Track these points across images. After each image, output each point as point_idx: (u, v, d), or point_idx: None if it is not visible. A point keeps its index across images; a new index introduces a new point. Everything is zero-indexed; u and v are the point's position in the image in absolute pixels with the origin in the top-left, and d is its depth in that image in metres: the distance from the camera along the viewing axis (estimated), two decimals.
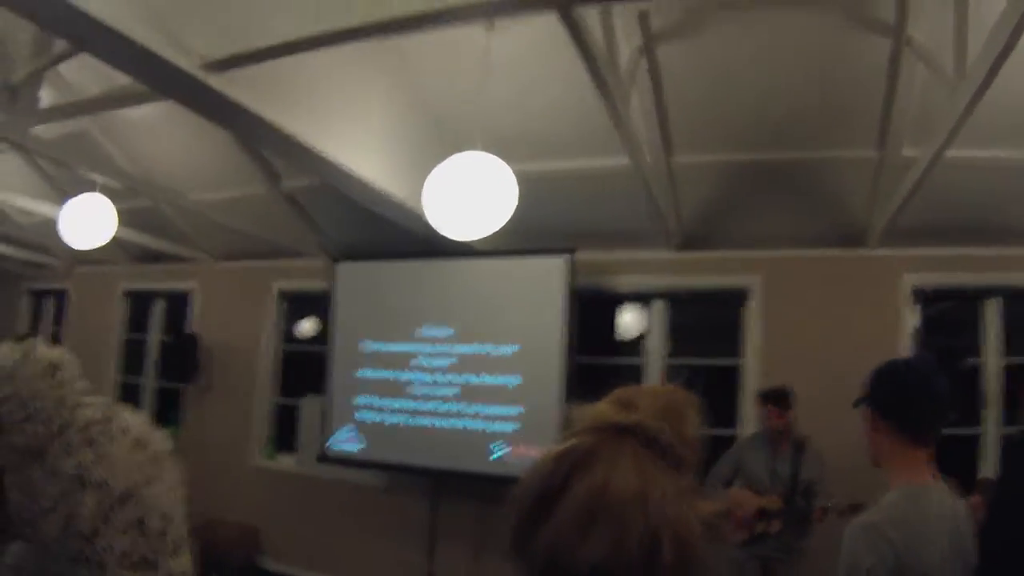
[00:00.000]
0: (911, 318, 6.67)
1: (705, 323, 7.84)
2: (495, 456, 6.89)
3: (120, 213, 6.44)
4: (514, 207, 4.56)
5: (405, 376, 7.47)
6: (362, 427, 7.67)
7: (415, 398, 7.38)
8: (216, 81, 4.14)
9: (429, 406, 7.30)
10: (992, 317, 6.60)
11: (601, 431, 1.15)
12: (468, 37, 4.88)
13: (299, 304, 9.24)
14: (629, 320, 7.76)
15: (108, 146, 7.57)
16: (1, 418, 1.49)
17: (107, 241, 6.52)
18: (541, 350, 6.81)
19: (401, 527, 7.87)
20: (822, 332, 6.60)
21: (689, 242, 7.18)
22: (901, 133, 5.35)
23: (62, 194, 7.31)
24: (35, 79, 5.25)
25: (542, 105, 5.79)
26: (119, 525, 1.48)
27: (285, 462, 8.89)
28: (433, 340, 7.39)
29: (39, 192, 8.13)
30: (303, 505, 8.53)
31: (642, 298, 7.61)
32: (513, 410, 6.84)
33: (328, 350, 8.00)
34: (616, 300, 7.77)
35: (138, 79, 4.35)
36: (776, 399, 5.79)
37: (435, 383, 7.30)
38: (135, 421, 1.42)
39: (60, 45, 4.98)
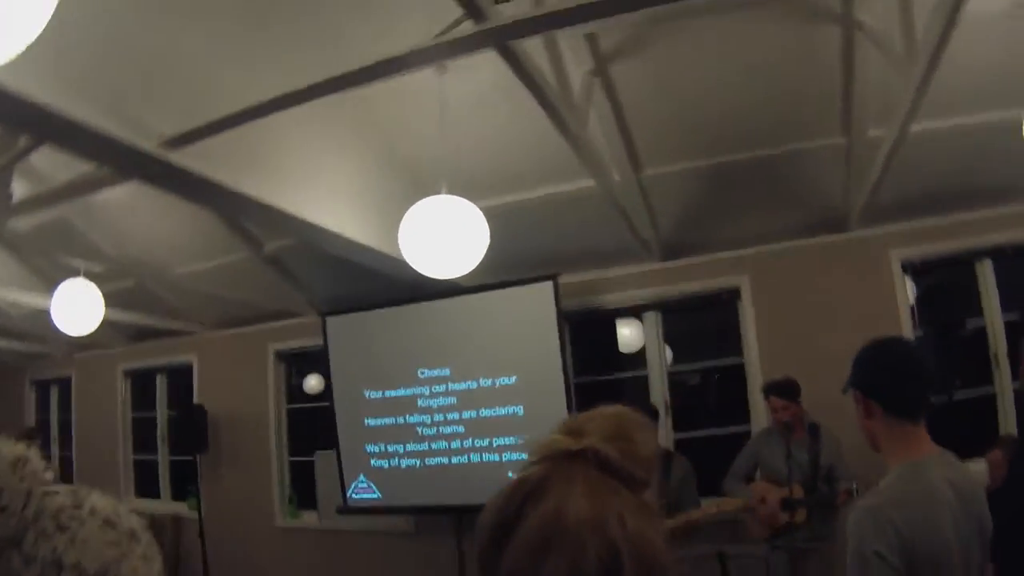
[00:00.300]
0: (906, 292, 6.67)
1: (706, 327, 7.85)
2: None
3: (109, 295, 6.48)
4: (487, 243, 4.65)
5: (411, 419, 7.48)
6: (377, 474, 7.68)
7: (424, 439, 7.40)
8: (177, 157, 4.14)
9: (440, 445, 7.31)
10: (987, 278, 6.60)
11: (552, 459, 1.16)
12: (424, 82, 4.92)
13: (300, 362, 9.26)
14: (628, 335, 7.75)
15: (88, 230, 7.55)
16: None
17: (98, 324, 6.53)
18: (540, 377, 6.82)
19: (429, 567, 7.82)
20: (819, 319, 6.58)
21: (672, 251, 7.19)
22: (865, 116, 5.35)
23: (49, 283, 7.31)
24: (5, 173, 5.25)
25: (506, 139, 5.79)
26: None
27: (309, 519, 8.85)
28: (432, 381, 7.40)
29: (25, 283, 8.12)
30: (332, 559, 8.50)
31: (634, 312, 7.62)
32: (522, 438, 6.81)
33: (332, 404, 8.01)
34: (611, 317, 7.78)
35: (100, 163, 4.38)
36: (780, 391, 5.79)
37: (443, 422, 7.31)
38: (103, 502, 1.43)
39: (26, 137, 4.99)
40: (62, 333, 6.62)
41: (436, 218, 4.53)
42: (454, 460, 7.22)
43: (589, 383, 7.64)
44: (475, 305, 7.29)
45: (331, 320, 8.03)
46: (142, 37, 3.85)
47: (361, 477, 7.77)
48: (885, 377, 2.42)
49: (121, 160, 4.14)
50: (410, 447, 7.47)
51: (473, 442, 7.14)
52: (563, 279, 6.98)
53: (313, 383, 9.17)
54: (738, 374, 7.20)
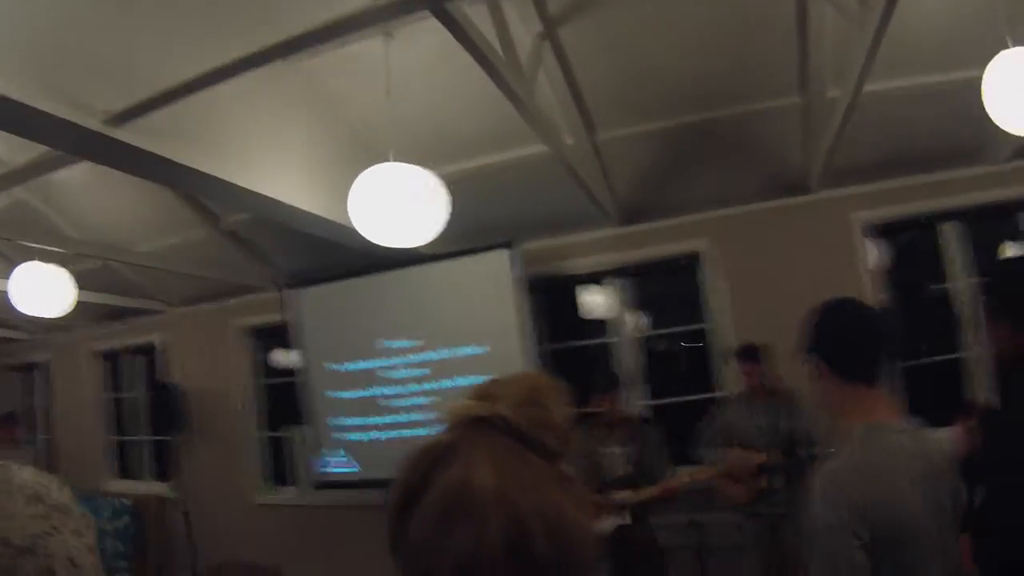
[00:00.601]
0: (868, 255, 6.66)
1: (676, 292, 7.84)
2: None
3: (74, 275, 6.44)
4: (447, 211, 4.65)
5: (376, 391, 7.49)
6: (348, 447, 7.69)
7: (388, 411, 7.41)
8: (122, 134, 4.12)
9: (405, 417, 7.32)
10: (950, 240, 6.61)
11: (461, 426, 1.14)
12: (372, 51, 4.88)
13: (269, 337, 9.19)
14: (595, 301, 7.73)
15: (48, 212, 7.52)
16: None
17: (69, 306, 6.55)
18: (504, 345, 6.81)
19: None
20: (782, 282, 6.54)
21: (631, 216, 7.18)
22: (822, 75, 5.33)
23: (12, 266, 7.28)
24: None
25: (457, 106, 5.75)
26: None
27: (286, 494, 8.88)
28: (397, 352, 7.40)
29: None
30: (312, 534, 8.51)
31: (597, 278, 7.61)
32: None
33: (299, 378, 8.01)
34: (576, 284, 7.77)
35: (46, 143, 4.33)
36: (744, 355, 5.78)
37: (409, 394, 7.31)
38: (31, 476, 1.41)
39: None
40: (33, 316, 6.55)
41: (384, 186, 4.47)
42: (420, 432, 7.16)
43: (559, 350, 7.64)
44: (435, 274, 7.27)
45: (291, 293, 8.02)
46: (80, 14, 3.80)
47: (333, 451, 7.77)
48: (835, 338, 2.38)
49: (66, 139, 4.11)
50: (374, 419, 7.47)
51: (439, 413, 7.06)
52: (525, 246, 6.96)
53: (282, 358, 9.13)
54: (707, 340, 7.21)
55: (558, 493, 1.08)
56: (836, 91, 5.16)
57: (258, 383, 9.28)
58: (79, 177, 6.66)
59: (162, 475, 9.74)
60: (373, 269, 7.38)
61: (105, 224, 7.63)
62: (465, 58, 4.00)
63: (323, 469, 7.87)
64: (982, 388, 6.25)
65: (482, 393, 1.18)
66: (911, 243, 7.00)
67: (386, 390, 7.44)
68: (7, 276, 6.62)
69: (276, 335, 8.75)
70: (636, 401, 7.22)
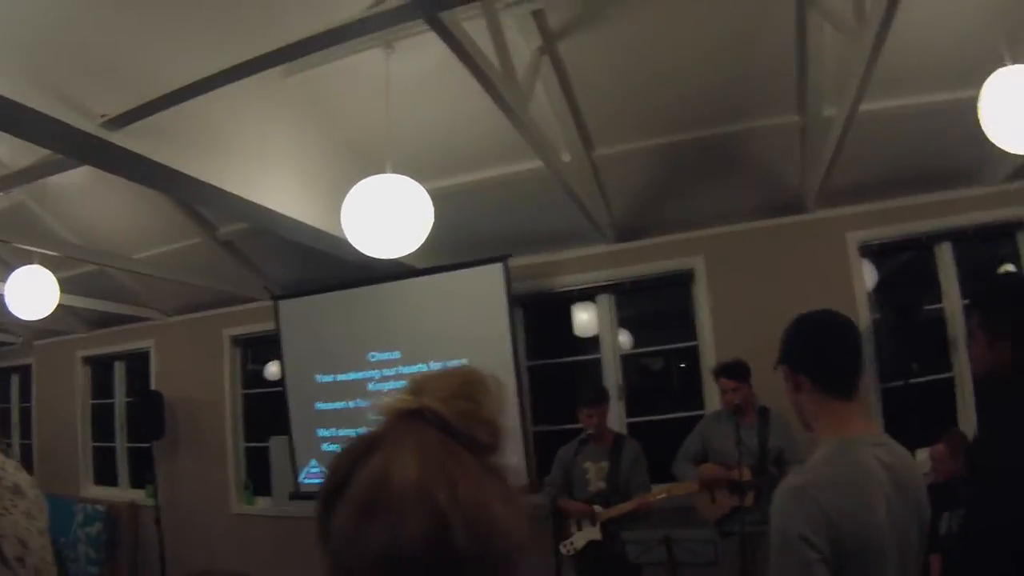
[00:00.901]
0: (863, 275, 6.64)
1: (665, 311, 7.82)
2: None
3: (68, 280, 6.47)
4: (431, 222, 4.60)
5: (361, 404, 7.46)
6: (329, 459, 7.59)
7: (375, 424, 7.30)
8: (118, 137, 4.08)
9: None
10: (945, 261, 6.58)
11: (390, 419, 1.12)
12: (371, 61, 4.87)
13: (258, 348, 9.18)
14: (585, 319, 7.70)
15: (45, 216, 7.49)
16: None
17: (52, 310, 6.51)
18: (490, 360, 6.72)
19: None
20: (774, 302, 6.38)
21: (626, 233, 7.15)
22: (820, 94, 5.33)
23: (9, 270, 7.26)
24: None
25: (456, 120, 5.73)
26: None
27: (264, 505, 8.81)
28: (382, 364, 7.38)
29: None
30: (288, 545, 8.38)
31: (588, 294, 7.57)
32: None
33: (285, 388, 7.99)
34: (566, 301, 7.74)
35: (43, 145, 4.32)
36: (729, 372, 5.75)
37: None
38: None
39: None
40: (20, 320, 6.54)
41: (378, 197, 4.48)
42: None
43: (543, 366, 7.62)
44: (426, 288, 7.25)
45: (283, 304, 8.00)
46: (79, 14, 3.79)
47: (313, 462, 7.74)
48: (812, 350, 2.34)
49: (61, 141, 4.07)
50: (360, 431, 7.38)
51: None
52: (516, 262, 6.95)
53: (274, 369, 9.09)
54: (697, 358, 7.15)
55: (485, 487, 1.07)
56: (833, 110, 5.15)
57: (243, 393, 9.24)
58: (77, 182, 6.64)
59: (140, 482, 9.68)
60: (366, 281, 7.37)
61: (102, 230, 7.60)
62: (465, 72, 3.99)
63: (302, 479, 7.85)
64: (970, 409, 6.22)
65: (414, 387, 1.15)
66: (906, 263, 7.00)
67: (365, 402, 7.43)
68: (3, 279, 6.62)
69: (265, 345, 8.73)
70: (620, 417, 7.20)
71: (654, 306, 7.90)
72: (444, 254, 6.82)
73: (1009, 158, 5.62)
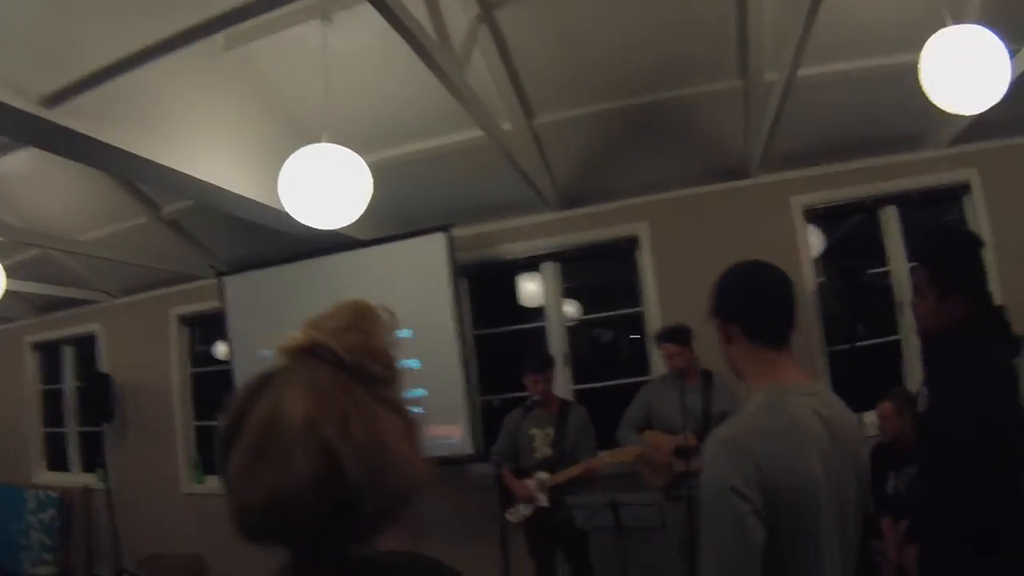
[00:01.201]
0: (808, 239, 6.67)
1: (611, 281, 7.82)
2: None
3: (14, 266, 6.34)
4: (370, 192, 4.57)
5: None
6: None
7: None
8: (57, 115, 4.03)
9: None
10: (891, 225, 6.64)
11: (287, 357, 1.13)
12: (308, 33, 4.82)
13: (207, 327, 9.09)
14: (532, 288, 7.69)
15: None
16: None
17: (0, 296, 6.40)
18: (435, 330, 6.76)
19: None
20: (719, 268, 6.40)
21: (570, 200, 7.14)
22: (761, 59, 5.31)
23: None
24: None
25: (395, 90, 5.66)
26: None
27: (215, 484, 8.67)
28: None
29: None
30: None
31: (533, 263, 7.56)
32: (416, 393, 6.69)
33: (231, 366, 7.93)
34: (512, 270, 7.74)
35: None
36: (672, 337, 5.73)
37: None
38: None
39: None
40: None
41: (314, 167, 4.43)
42: None
43: (490, 336, 7.63)
44: (370, 260, 7.19)
45: (228, 280, 7.94)
46: None
47: None
48: (742, 300, 2.31)
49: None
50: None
51: None
52: (460, 231, 6.96)
53: (224, 349, 9.01)
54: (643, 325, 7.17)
55: (379, 421, 1.08)
56: (775, 74, 5.15)
57: (192, 372, 9.16)
58: (19, 166, 6.55)
59: (91, 466, 9.59)
60: (308, 255, 7.33)
61: (45, 213, 7.48)
62: (404, 43, 3.96)
63: None
64: (916, 371, 6.27)
65: (308, 322, 1.14)
66: (854, 228, 7.03)
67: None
68: None
69: (216, 324, 8.67)
70: (567, 384, 7.19)
71: (602, 277, 7.90)
72: (388, 226, 6.78)
73: (954, 121, 5.66)
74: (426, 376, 6.64)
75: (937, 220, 6.75)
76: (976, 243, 3.11)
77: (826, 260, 6.76)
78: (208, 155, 5.29)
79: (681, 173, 6.78)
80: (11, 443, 10.20)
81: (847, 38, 5.17)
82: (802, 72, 4.71)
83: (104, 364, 9.46)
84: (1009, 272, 5.46)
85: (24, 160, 6.16)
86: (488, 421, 7.09)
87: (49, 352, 10.38)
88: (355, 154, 4.54)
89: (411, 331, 6.64)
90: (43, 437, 10.31)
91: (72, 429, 9.96)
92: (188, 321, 9.13)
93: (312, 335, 1.12)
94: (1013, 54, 3.98)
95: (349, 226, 5.26)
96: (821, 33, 4.18)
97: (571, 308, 7.65)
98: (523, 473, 5.89)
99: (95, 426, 9.22)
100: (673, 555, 5.62)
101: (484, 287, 7.67)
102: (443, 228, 6.82)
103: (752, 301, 2.31)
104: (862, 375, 5.98)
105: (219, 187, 5.39)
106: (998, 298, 3.26)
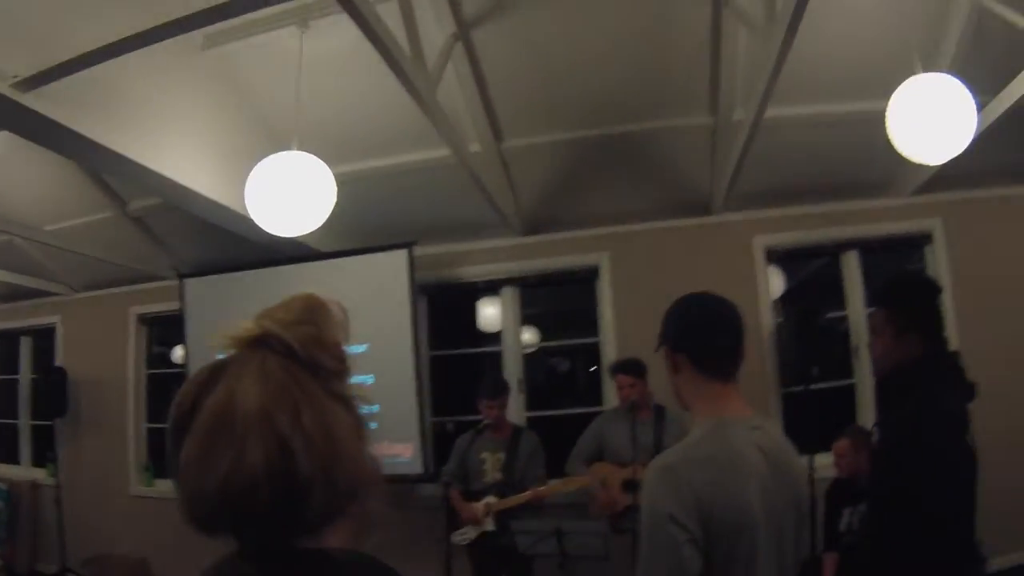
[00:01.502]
0: (768, 280, 6.72)
1: (570, 309, 7.84)
2: None
3: None
4: (333, 200, 4.56)
5: None
6: None
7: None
8: (31, 100, 4.01)
9: None
10: (851, 269, 6.71)
11: (236, 346, 1.14)
12: (285, 40, 4.83)
13: (165, 328, 9.00)
14: (491, 313, 7.71)
15: None
16: None
17: None
18: (392, 347, 6.74)
19: None
20: None
21: (533, 226, 7.16)
22: (732, 97, 5.37)
23: None
24: None
25: (367, 103, 5.68)
26: None
27: (164, 487, 8.61)
28: None
29: None
30: (187, 529, 8.29)
31: (493, 287, 7.58)
32: (370, 409, 6.66)
33: (187, 371, 7.85)
34: (472, 292, 7.75)
35: None
36: (626, 368, 5.75)
37: None
38: None
39: None
40: None
41: (281, 174, 4.43)
42: None
43: (446, 357, 7.64)
44: (330, 272, 7.15)
45: (189, 283, 7.88)
46: None
47: None
48: (691, 331, 2.35)
49: None
50: None
51: None
52: (422, 251, 6.95)
53: (181, 353, 8.95)
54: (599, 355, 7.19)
55: (330, 413, 1.10)
56: (743, 113, 5.19)
57: (148, 372, 9.07)
58: None
59: (42, 460, 9.40)
60: (270, 263, 7.28)
61: (11, 200, 7.41)
62: (377, 56, 3.98)
63: None
64: (870, 416, 6.30)
65: (260, 314, 1.16)
66: (816, 271, 7.08)
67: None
68: None
69: (172, 325, 8.61)
70: (520, 411, 7.20)
71: (562, 304, 7.92)
72: (350, 239, 6.77)
73: (919, 170, 5.72)
74: (380, 393, 6.58)
75: (898, 267, 6.81)
76: (934, 288, 3.17)
77: (785, 301, 6.80)
78: (177, 152, 5.29)
79: (646, 206, 6.82)
80: None
81: (818, 80, 5.24)
82: (771, 113, 4.75)
83: (60, 358, 9.35)
84: (966, 321, 5.54)
85: None
86: (441, 443, 7.05)
87: (6, 341, 10.22)
88: (322, 163, 4.53)
89: (367, 346, 6.64)
90: None
91: (25, 422, 9.82)
92: (147, 321, 9.04)
93: (264, 325, 1.13)
94: (981, 106, 4.04)
95: (312, 237, 5.29)
96: (794, 75, 4.22)
97: (529, 334, 7.68)
98: (472, 496, 5.86)
99: (47, 420, 9.13)
100: None
101: (443, 308, 7.68)
102: (406, 245, 6.82)
103: (700, 332, 2.34)
104: (815, 417, 6.01)
105: (185, 186, 5.38)
106: (954, 345, 3.32)
